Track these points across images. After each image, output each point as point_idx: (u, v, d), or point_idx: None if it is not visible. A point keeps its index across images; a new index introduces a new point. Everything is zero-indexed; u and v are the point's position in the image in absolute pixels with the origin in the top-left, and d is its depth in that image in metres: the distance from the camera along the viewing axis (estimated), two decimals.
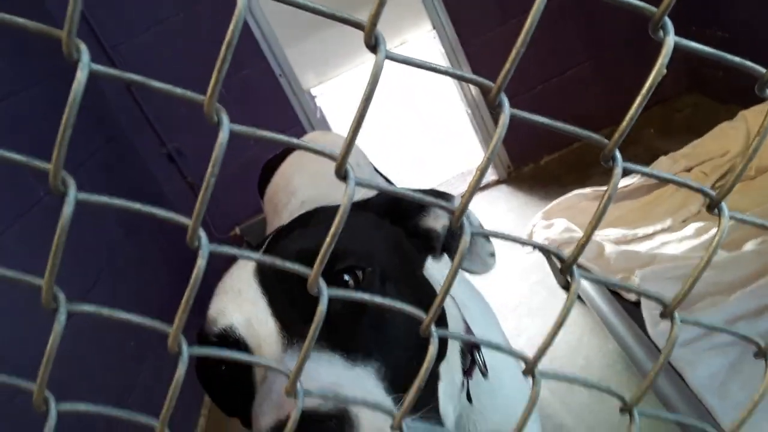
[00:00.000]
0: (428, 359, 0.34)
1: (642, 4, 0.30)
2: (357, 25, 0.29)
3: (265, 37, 2.92)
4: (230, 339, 0.59)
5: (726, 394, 1.23)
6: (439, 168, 3.81)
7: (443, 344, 0.63)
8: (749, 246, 1.59)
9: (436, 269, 0.70)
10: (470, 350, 0.77)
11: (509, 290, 2.40)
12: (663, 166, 2.13)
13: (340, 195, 0.30)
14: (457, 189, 3.35)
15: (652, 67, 0.30)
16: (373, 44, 0.28)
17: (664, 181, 0.28)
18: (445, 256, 0.71)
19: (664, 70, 0.29)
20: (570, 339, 2.05)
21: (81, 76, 0.26)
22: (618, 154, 0.32)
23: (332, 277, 0.58)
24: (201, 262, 0.30)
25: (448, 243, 0.69)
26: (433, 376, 0.62)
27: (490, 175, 3.33)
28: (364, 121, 0.30)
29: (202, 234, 0.31)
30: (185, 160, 2.98)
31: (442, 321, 0.66)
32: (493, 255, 0.70)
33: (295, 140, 0.32)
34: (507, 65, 0.29)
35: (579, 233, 1.97)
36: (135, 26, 2.79)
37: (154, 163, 2.97)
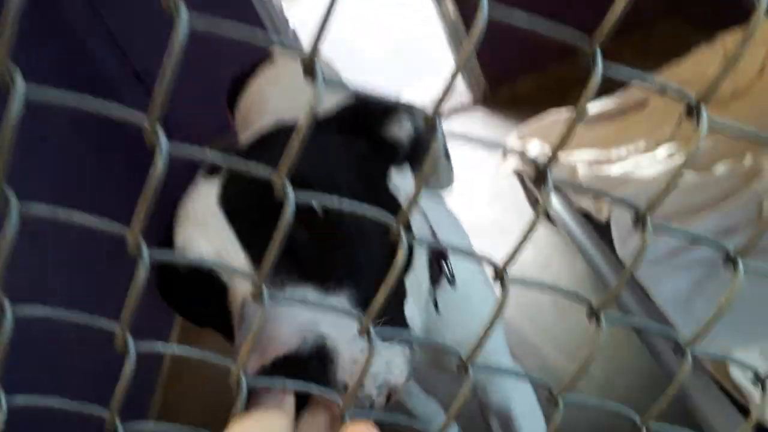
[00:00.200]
0: (396, 264, 0.33)
1: None
2: None
3: None
4: (202, 271, 0.58)
5: (690, 311, 1.26)
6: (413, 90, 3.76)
7: (410, 253, 0.63)
8: (720, 168, 1.61)
9: (399, 179, 0.69)
10: (437, 259, 0.77)
11: (482, 212, 2.43)
12: (639, 89, 2.12)
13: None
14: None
15: None
16: None
17: (643, 84, 0.27)
18: (407, 168, 0.70)
19: None
20: (539, 259, 2.09)
21: None
22: (599, 53, 0.30)
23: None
24: (160, 164, 0.28)
25: (412, 152, 0.67)
26: (401, 285, 0.62)
27: (465, 97, 3.29)
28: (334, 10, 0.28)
29: (161, 132, 0.29)
30: (153, 80, 2.88)
31: (408, 231, 0.66)
32: (451, 170, 0.69)
33: (260, 34, 0.30)
34: None
35: None
36: None
37: (119, 81, 2.86)
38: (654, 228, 0.37)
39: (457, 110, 3.30)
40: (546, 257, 2.09)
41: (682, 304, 1.30)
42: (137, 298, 0.31)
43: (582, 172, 1.86)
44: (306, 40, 3.49)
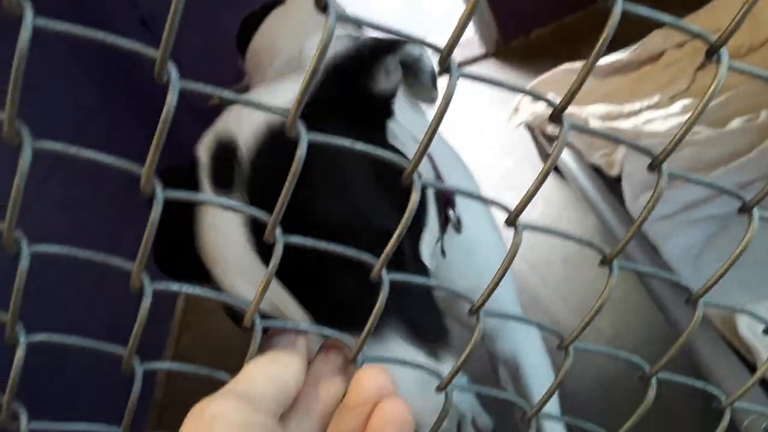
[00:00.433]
0: (410, 207, 0.33)
1: None
2: None
3: None
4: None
5: (700, 266, 1.26)
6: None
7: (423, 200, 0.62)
8: (735, 123, 1.58)
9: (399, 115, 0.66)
10: (444, 206, 0.75)
11: (492, 166, 2.41)
12: (656, 39, 2.08)
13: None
14: None
15: None
16: None
17: (662, 24, 0.26)
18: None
19: None
20: (551, 213, 2.09)
21: None
22: None
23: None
24: (171, 98, 0.28)
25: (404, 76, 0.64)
26: (417, 228, 0.61)
27: (478, 48, 3.23)
28: None
29: (172, 68, 0.29)
30: (159, 26, 2.83)
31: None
32: (436, 88, 0.65)
33: None
34: None
35: None
36: None
37: (124, 27, 2.82)
38: (669, 175, 0.36)
39: (468, 61, 3.24)
40: (556, 212, 2.09)
41: (692, 260, 1.29)
42: (151, 238, 0.31)
43: (593, 125, 1.83)
44: None
